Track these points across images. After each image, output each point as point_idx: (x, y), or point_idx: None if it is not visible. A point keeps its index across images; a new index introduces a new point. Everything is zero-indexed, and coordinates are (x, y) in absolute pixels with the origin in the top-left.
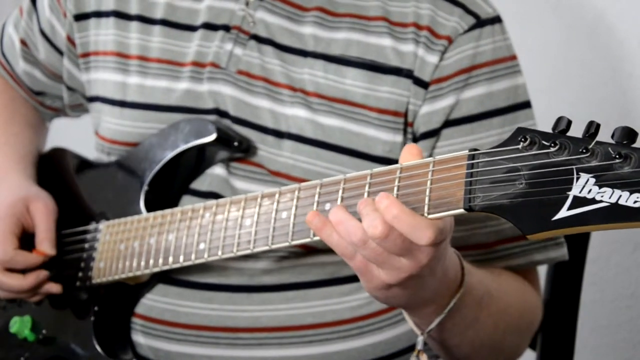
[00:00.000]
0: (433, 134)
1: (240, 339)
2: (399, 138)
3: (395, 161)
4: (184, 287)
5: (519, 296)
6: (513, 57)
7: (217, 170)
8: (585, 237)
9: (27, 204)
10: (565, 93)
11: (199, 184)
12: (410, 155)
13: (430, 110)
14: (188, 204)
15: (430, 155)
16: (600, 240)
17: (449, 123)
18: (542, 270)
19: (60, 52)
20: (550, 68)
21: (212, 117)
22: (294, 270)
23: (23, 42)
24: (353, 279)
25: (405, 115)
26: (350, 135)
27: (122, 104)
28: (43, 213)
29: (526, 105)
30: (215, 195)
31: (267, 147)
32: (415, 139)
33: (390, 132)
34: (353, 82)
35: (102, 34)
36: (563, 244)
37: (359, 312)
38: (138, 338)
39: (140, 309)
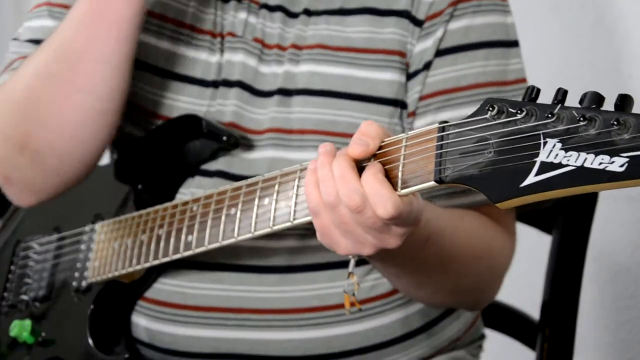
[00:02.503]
0: (426, 67)
1: (248, 320)
2: (403, 78)
3: (402, 102)
4: (193, 268)
5: (480, 240)
6: None
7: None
8: (585, 236)
9: None
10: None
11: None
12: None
13: (424, 47)
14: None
15: (423, 89)
16: (600, 240)
17: (437, 54)
18: (542, 270)
19: None
20: (550, 68)
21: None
22: (306, 252)
23: None
24: (358, 262)
25: (405, 54)
26: (356, 81)
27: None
28: None
29: (514, 44)
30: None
31: (278, 107)
32: (409, 76)
33: (396, 72)
34: (355, 29)
35: None
36: None
37: (362, 296)
38: (139, 320)
39: (149, 292)
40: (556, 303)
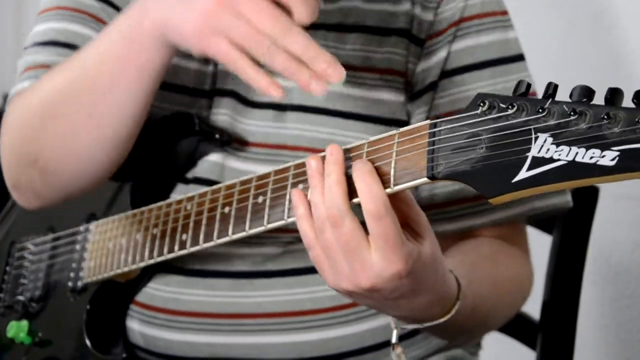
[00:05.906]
0: (430, 87)
1: (242, 325)
2: (401, 98)
3: (401, 121)
4: (187, 275)
5: (515, 282)
6: (503, 12)
7: (213, 157)
8: (586, 236)
9: None
10: (564, 93)
11: (190, 173)
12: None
13: (426, 66)
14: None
15: (430, 110)
16: (600, 240)
17: (443, 75)
18: (542, 270)
19: None
20: (549, 67)
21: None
22: (296, 256)
23: None
24: None
25: (405, 74)
26: (353, 100)
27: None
28: None
29: (518, 58)
30: (208, 182)
31: (269, 122)
32: (414, 96)
33: (393, 92)
34: (353, 47)
35: None
36: (566, 190)
37: None
38: (133, 324)
39: (141, 297)
40: (556, 303)
